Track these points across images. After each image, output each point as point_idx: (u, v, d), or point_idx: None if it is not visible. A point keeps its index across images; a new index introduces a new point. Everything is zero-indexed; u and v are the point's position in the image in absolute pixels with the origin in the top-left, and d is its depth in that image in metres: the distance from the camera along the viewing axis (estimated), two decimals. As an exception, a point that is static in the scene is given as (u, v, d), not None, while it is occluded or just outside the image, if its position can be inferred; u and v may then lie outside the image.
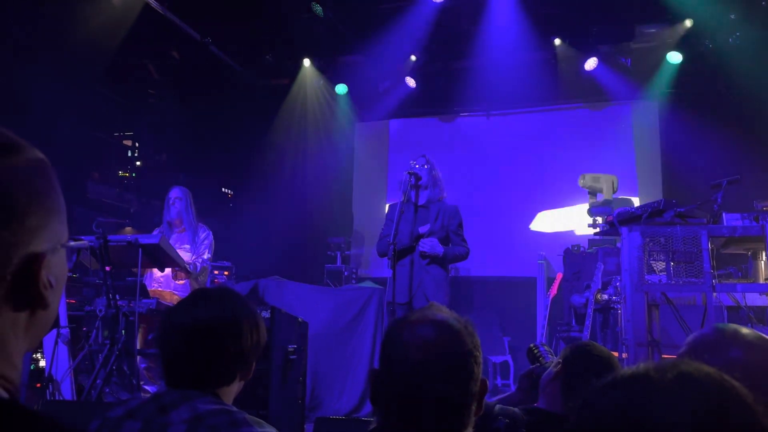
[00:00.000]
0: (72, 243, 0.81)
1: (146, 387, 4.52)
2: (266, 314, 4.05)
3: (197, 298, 1.49)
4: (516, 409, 1.75)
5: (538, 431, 1.68)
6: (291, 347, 4.16)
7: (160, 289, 4.86)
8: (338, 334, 6.00)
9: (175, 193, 5.03)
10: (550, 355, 2.09)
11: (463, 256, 4.53)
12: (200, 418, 1.31)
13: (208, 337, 1.41)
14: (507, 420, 1.67)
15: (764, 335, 1.18)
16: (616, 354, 4.57)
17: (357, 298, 6.12)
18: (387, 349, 1.14)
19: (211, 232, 5.03)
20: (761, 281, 3.38)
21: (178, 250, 4.67)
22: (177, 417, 1.32)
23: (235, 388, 1.48)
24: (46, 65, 6.30)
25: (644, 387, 0.66)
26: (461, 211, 4.62)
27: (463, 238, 4.53)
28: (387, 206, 4.67)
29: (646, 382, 0.66)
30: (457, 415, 1.09)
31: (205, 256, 4.90)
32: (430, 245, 4.31)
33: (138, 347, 4.42)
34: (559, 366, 1.82)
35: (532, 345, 2.19)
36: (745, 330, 1.19)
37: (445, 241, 4.46)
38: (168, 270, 4.75)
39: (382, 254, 4.42)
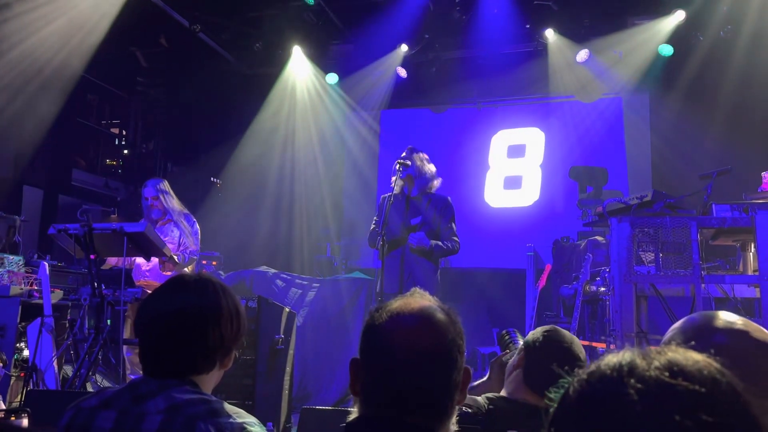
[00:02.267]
0: None
1: (131, 376, 4.48)
2: (254, 304, 4.02)
3: (176, 285, 1.45)
4: (479, 398, 1.72)
5: (498, 419, 1.65)
6: (278, 337, 4.14)
7: (147, 281, 4.80)
8: (327, 325, 5.99)
9: (149, 192, 4.85)
10: (520, 341, 2.06)
11: (453, 251, 4.52)
12: (177, 408, 1.27)
13: (187, 325, 1.37)
14: (468, 409, 1.64)
15: (750, 321, 1.17)
16: (603, 345, 4.57)
17: (346, 289, 6.11)
18: (367, 337, 1.11)
19: (196, 221, 4.95)
20: (750, 273, 3.37)
21: None
22: (153, 407, 1.28)
23: (215, 376, 1.44)
24: (31, 53, 6.21)
25: (630, 376, 0.62)
26: (452, 202, 4.60)
27: (454, 232, 4.50)
28: (382, 198, 4.62)
29: (633, 370, 0.63)
30: (439, 404, 1.06)
31: (193, 247, 4.83)
32: (417, 238, 4.31)
33: (125, 336, 4.37)
34: (522, 353, 1.79)
35: (503, 331, 2.16)
36: (731, 316, 1.17)
37: (435, 233, 4.44)
38: (155, 261, 4.69)
39: (372, 245, 4.40)
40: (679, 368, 0.62)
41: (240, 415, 1.31)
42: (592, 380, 0.65)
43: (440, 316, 1.10)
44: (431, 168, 4.58)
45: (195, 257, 4.86)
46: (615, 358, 0.66)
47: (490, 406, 1.68)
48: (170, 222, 4.86)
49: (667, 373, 0.62)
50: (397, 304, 1.11)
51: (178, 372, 1.36)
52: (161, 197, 4.84)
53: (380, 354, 1.07)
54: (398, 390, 1.04)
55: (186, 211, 4.98)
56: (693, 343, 0.75)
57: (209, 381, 1.42)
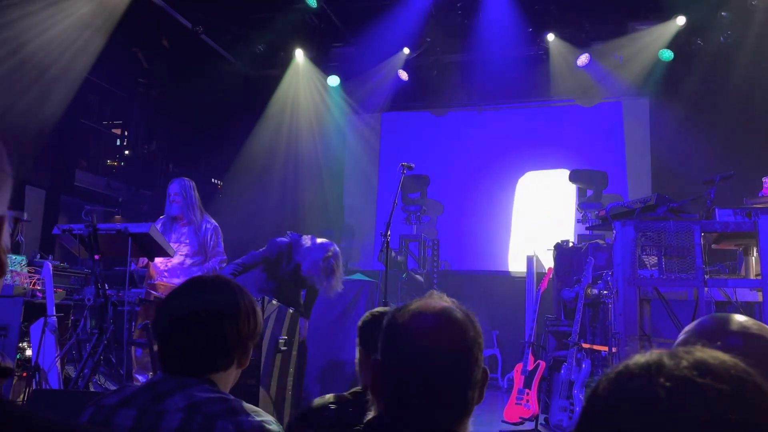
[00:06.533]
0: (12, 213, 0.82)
1: (137, 375, 4.49)
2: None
3: (194, 285, 1.47)
4: (346, 394, 1.76)
5: (359, 411, 1.68)
6: (281, 338, 4.15)
7: (163, 282, 4.77)
8: (328, 327, 5.99)
9: (173, 188, 4.86)
10: None
11: None
12: (197, 406, 1.29)
13: (205, 323, 1.39)
14: (336, 406, 1.69)
15: (762, 323, 1.18)
16: (605, 348, 4.59)
17: (347, 291, 6.10)
18: (390, 337, 1.13)
19: (217, 224, 4.95)
20: (752, 277, 3.40)
21: (179, 245, 4.65)
22: (173, 405, 1.30)
23: (232, 375, 1.46)
24: (36, 54, 6.22)
25: (659, 374, 0.64)
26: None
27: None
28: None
29: (661, 369, 0.65)
30: (460, 403, 1.08)
31: (219, 249, 4.88)
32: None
33: (127, 337, 4.38)
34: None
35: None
36: (743, 318, 1.19)
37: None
38: (174, 261, 4.69)
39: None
40: (706, 367, 0.64)
41: (258, 414, 1.32)
42: (621, 379, 0.67)
43: (461, 315, 1.13)
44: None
45: (224, 265, 4.83)
46: (643, 358, 0.68)
47: (352, 399, 1.73)
48: (189, 225, 4.83)
49: (695, 372, 0.64)
50: (418, 304, 1.14)
51: (196, 370, 1.38)
52: (180, 196, 4.83)
53: (405, 354, 1.09)
54: (422, 388, 1.06)
55: (206, 214, 4.98)
56: (719, 343, 0.76)
57: (227, 380, 1.44)
